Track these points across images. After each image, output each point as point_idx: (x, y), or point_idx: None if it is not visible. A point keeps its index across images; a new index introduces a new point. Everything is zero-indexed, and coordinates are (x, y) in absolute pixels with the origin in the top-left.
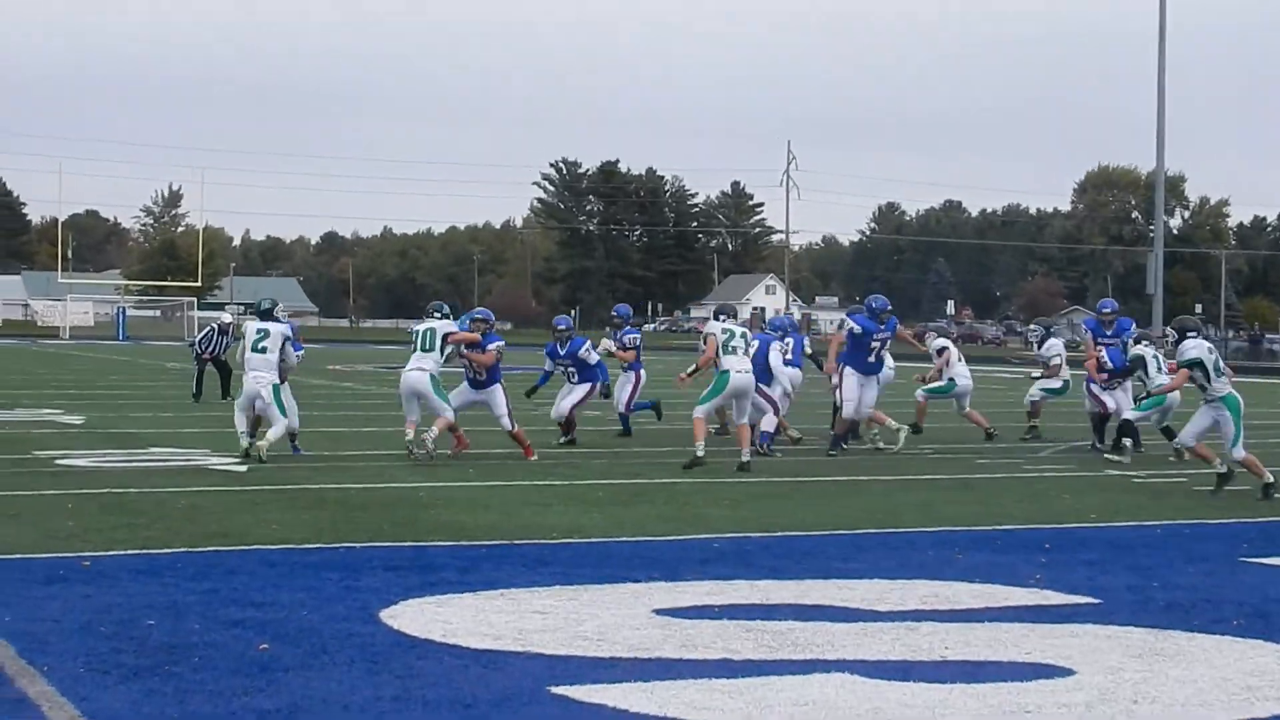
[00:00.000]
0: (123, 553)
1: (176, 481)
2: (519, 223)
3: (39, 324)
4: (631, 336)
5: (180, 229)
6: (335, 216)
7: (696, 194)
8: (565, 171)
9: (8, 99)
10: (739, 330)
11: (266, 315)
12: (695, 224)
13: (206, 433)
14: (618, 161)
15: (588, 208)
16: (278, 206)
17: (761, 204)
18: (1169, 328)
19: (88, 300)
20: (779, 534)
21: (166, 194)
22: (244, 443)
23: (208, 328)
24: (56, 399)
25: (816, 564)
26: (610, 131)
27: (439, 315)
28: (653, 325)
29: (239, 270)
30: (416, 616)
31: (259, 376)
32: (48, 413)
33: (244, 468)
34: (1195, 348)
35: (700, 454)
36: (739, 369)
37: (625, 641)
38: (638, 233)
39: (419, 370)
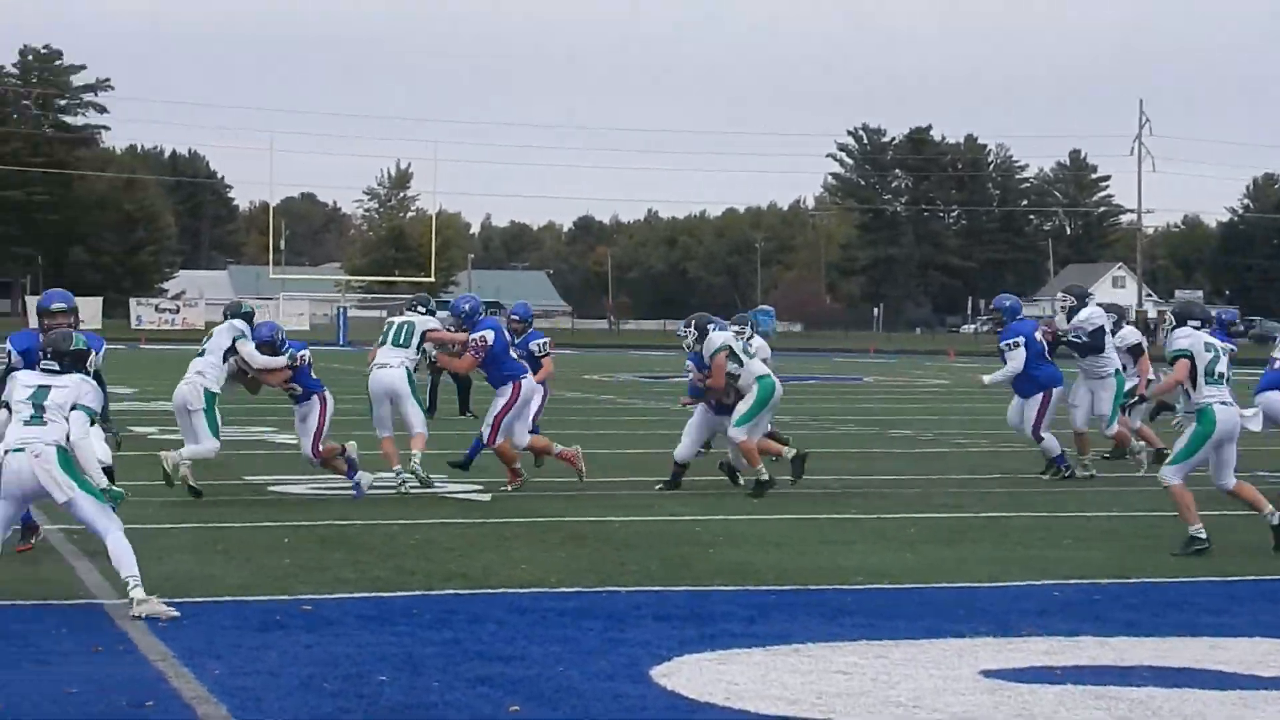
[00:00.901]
0: (348, 595)
1: (408, 512)
2: (810, 203)
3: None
4: (539, 342)
5: (410, 214)
6: (591, 198)
7: (1026, 166)
8: (866, 141)
9: (212, 67)
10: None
11: (237, 313)
12: (1025, 203)
13: (443, 453)
14: (929, 128)
15: (893, 184)
16: (523, 187)
17: (1107, 178)
18: (1170, 312)
19: (303, 299)
20: (1134, 580)
21: (393, 173)
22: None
23: None
24: (268, 415)
25: (1181, 617)
26: (920, 93)
27: (422, 310)
28: (971, 326)
29: (478, 262)
30: (695, 675)
31: (190, 379)
32: (258, 431)
33: (488, 496)
34: (1189, 338)
35: (765, 476)
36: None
37: (947, 709)
38: (954, 214)
39: (388, 366)
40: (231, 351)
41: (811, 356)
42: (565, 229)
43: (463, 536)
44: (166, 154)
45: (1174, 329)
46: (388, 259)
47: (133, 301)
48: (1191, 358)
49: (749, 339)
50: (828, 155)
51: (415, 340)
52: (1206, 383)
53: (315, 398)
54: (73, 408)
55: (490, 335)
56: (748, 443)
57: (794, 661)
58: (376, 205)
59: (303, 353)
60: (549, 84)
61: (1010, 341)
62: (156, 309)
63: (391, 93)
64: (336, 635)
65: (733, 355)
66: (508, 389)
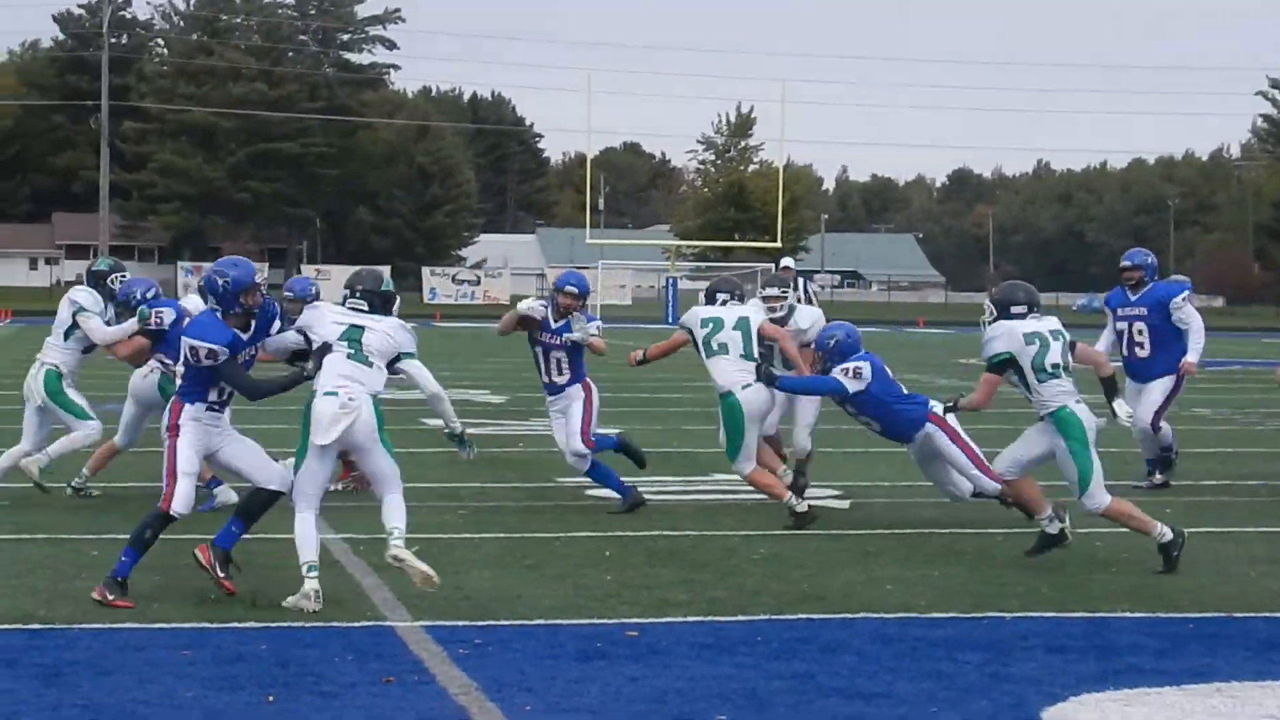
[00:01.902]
0: (680, 619)
1: (751, 522)
2: (1235, 152)
3: None
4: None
5: (752, 167)
6: (968, 148)
7: None
8: None
9: None
10: (731, 317)
11: (95, 279)
12: None
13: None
14: None
15: None
16: (885, 134)
17: None
18: (988, 300)
19: (624, 268)
20: None
21: (733, 119)
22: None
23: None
24: None
25: None
26: None
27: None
28: None
29: (832, 224)
30: (1095, 718)
31: (34, 369)
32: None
33: (846, 503)
34: (1004, 336)
35: (799, 508)
36: (738, 381)
37: None
38: None
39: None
40: (76, 329)
41: (1236, 337)
42: (937, 184)
43: (816, 551)
44: (465, 97)
45: (992, 322)
46: (725, 220)
47: (426, 271)
48: (1012, 361)
49: (781, 311)
50: (1257, 93)
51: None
52: (1040, 381)
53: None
54: (397, 358)
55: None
56: (758, 473)
57: (1215, 703)
58: (712, 157)
59: (162, 310)
60: (916, 8)
61: None
62: (454, 280)
63: (731, 23)
64: (667, 666)
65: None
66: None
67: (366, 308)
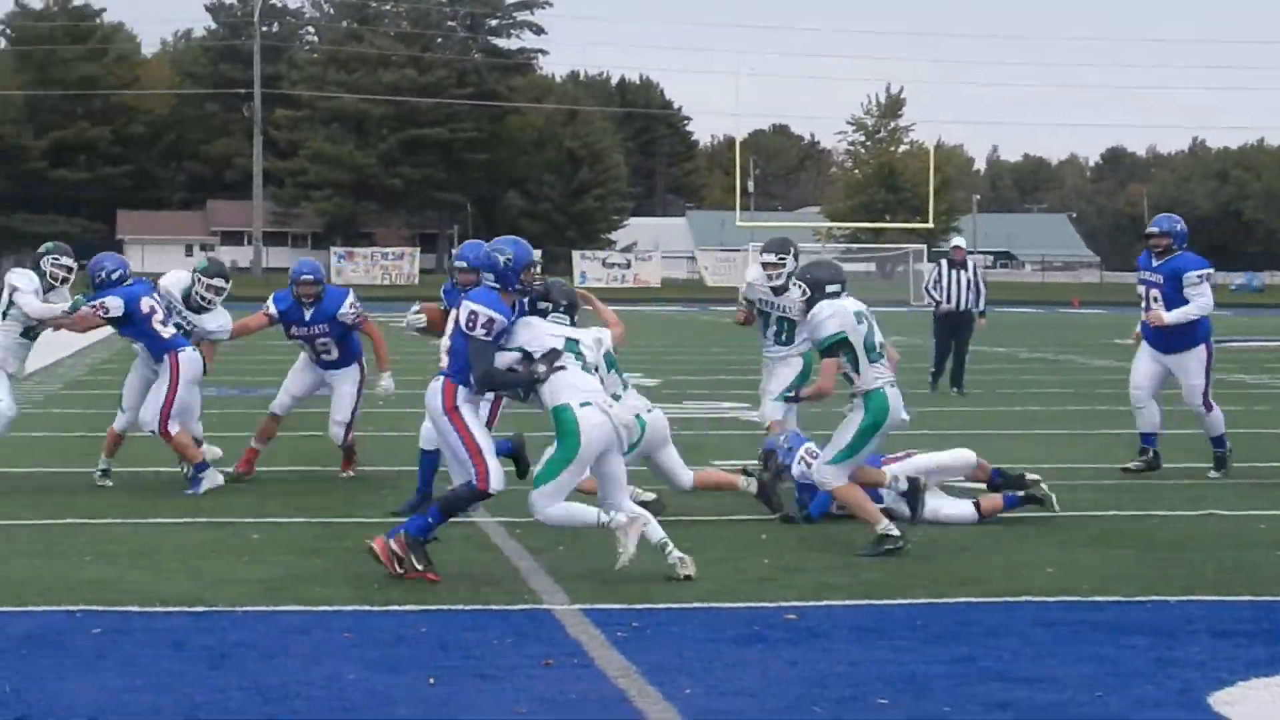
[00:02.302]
0: (839, 603)
1: None
2: None
3: (708, 283)
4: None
5: (902, 148)
6: (1122, 125)
7: None
8: None
9: None
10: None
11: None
12: None
13: (941, 436)
14: None
15: None
16: (1037, 114)
17: None
18: (797, 279)
19: None
20: None
21: (883, 100)
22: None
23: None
24: (739, 389)
25: None
26: None
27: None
28: None
29: (985, 204)
30: (1265, 705)
31: None
32: (729, 408)
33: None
34: (836, 315)
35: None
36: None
37: None
38: None
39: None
40: (12, 308)
41: None
42: (1091, 163)
43: (975, 535)
44: (614, 81)
45: (810, 300)
46: (876, 202)
47: (576, 255)
48: (846, 342)
49: (778, 280)
50: None
51: None
52: (871, 362)
53: (167, 358)
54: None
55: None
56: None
57: None
58: (862, 138)
59: (105, 299)
60: None
61: None
62: (604, 264)
63: (879, 2)
64: (826, 650)
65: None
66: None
67: (569, 321)
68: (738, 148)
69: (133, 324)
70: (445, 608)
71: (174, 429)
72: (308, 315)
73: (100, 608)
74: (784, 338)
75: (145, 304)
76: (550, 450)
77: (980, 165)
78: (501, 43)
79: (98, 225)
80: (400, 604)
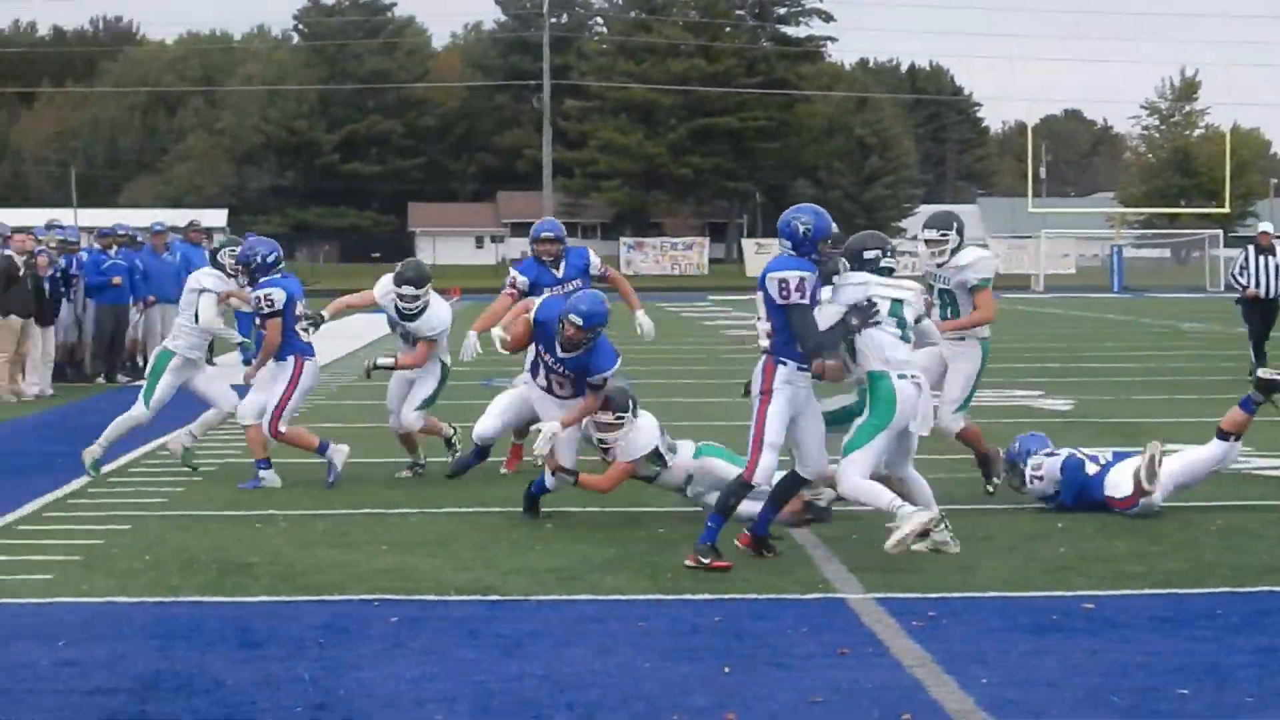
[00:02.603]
0: (1136, 592)
1: (1205, 493)
2: None
3: (1000, 270)
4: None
5: (1197, 132)
6: None
7: None
8: None
9: None
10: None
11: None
12: None
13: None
14: None
15: None
16: None
17: None
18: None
19: (1067, 236)
20: None
21: (1177, 83)
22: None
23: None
24: (1034, 376)
25: None
26: None
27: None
28: None
29: None
30: None
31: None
32: (1021, 395)
33: None
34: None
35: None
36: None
37: None
38: None
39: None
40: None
41: None
42: None
43: (1276, 523)
44: (904, 68)
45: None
46: (1170, 187)
47: None
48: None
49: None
50: None
51: None
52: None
53: (292, 360)
54: None
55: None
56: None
57: None
58: (1156, 122)
59: (271, 293)
60: None
61: None
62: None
63: None
64: (1124, 640)
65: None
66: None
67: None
68: (1030, 133)
69: (283, 318)
70: (739, 596)
71: (282, 427)
72: (559, 273)
73: (396, 597)
74: (948, 315)
75: (298, 306)
76: (861, 419)
77: (1278, 148)
78: (791, 30)
79: (389, 218)
80: (694, 593)
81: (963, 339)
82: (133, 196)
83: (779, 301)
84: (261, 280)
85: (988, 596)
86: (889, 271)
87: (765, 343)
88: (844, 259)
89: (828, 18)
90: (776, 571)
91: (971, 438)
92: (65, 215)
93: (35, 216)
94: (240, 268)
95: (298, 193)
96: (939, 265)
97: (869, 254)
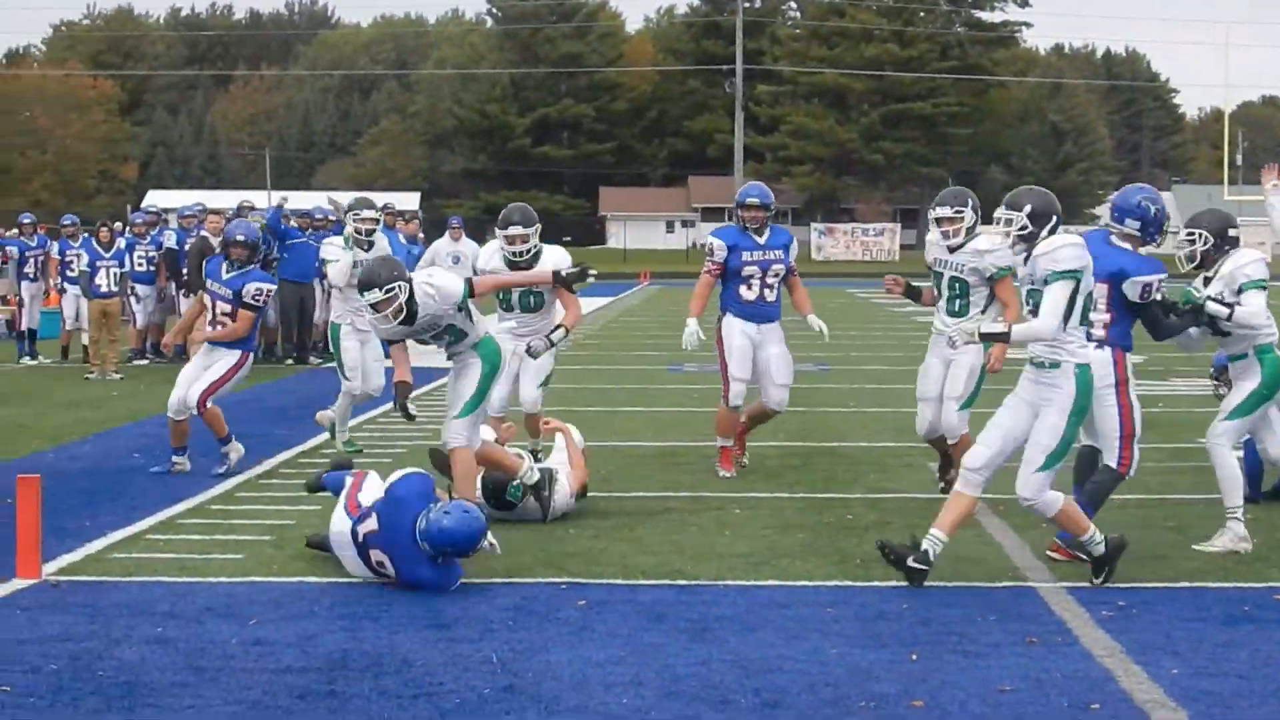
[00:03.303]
0: None
1: None
2: None
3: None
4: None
5: None
6: None
7: None
8: None
9: None
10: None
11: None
12: None
13: None
14: None
15: None
16: None
17: None
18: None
19: (1263, 224)
20: None
21: None
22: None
23: None
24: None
25: None
26: None
27: None
28: None
29: None
30: None
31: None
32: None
33: None
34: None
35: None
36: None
37: None
38: None
39: None
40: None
41: None
42: None
43: None
44: (1099, 53)
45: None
46: None
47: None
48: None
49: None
50: None
51: None
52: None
53: (239, 352)
54: None
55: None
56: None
57: None
58: None
59: (269, 287)
60: None
61: None
62: None
63: None
64: None
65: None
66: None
67: None
68: (1226, 120)
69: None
70: (927, 584)
71: (208, 404)
72: (763, 239)
73: (585, 580)
74: (958, 306)
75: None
76: (1248, 385)
77: None
78: (985, 15)
79: (580, 202)
80: (881, 579)
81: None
82: (326, 179)
83: (1136, 301)
84: (258, 271)
85: (1179, 587)
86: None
87: (1100, 333)
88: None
89: (1023, 2)
90: (965, 559)
91: (963, 448)
92: (259, 198)
93: (229, 198)
94: (247, 250)
95: (489, 176)
96: (951, 248)
97: (1233, 232)
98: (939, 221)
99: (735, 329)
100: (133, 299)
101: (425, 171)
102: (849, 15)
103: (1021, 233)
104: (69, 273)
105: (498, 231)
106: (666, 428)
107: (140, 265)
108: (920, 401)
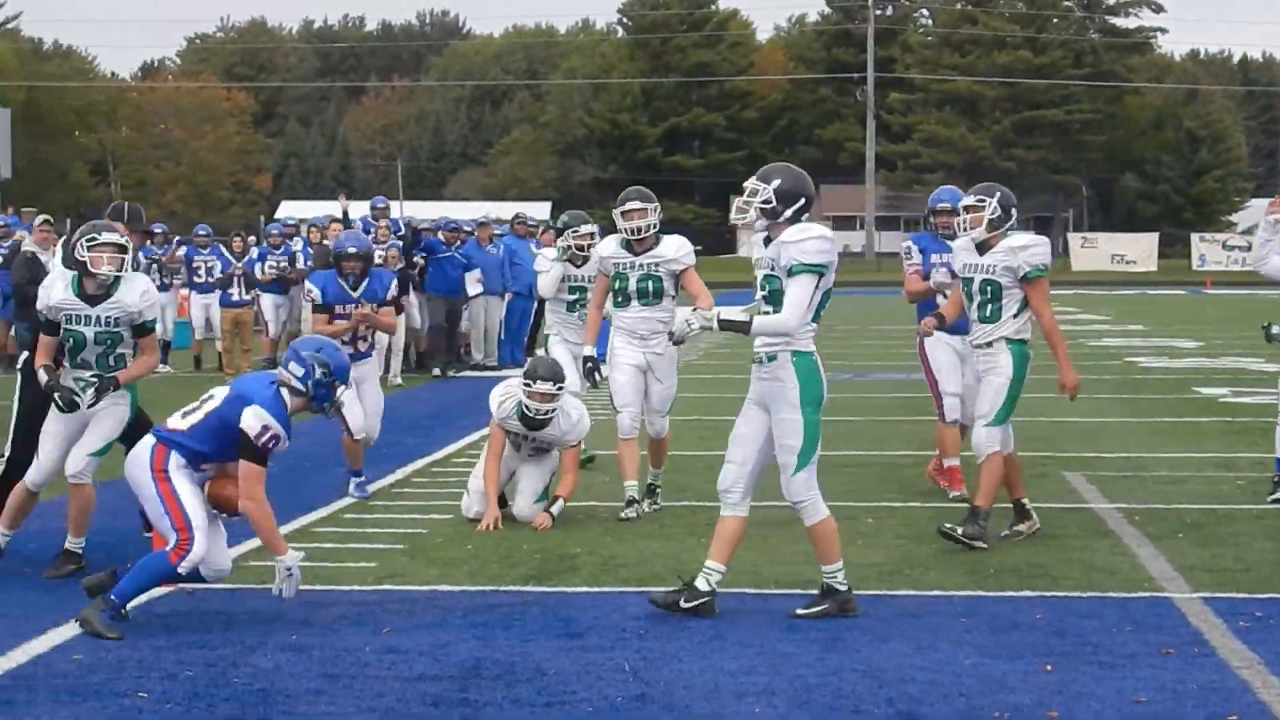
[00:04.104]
0: None
1: None
2: None
3: None
4: None
5: None
6: None
7: None
8: None
9: None
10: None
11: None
12: None
13: None
14: None
15: None
16: None
17: None
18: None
19: None
20: None
21: None
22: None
23: None
24: None
25: None
26: None
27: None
28: None
29: None
30: None
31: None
32: None
33: None
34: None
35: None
36: None
37: None
38: None
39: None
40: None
41: None
42: None
43: None
44: (1235, 59)
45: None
46: None
47: (1194, 238)
48: None
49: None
50: None
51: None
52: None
53: None
54: None
55: None
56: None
57: None
58: None
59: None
60: None
61: None
62: (1224, 246)
63: None
64: None
65: None
66: None
67: None
68: None
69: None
70: (1061, 594)
71: None
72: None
73: (718, 590)
74: (989, 311)
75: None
76: None
77: None
78: (1119, 22)
79: (710, 211)
80: (1015, 590)
81: (990, 344)
82: (457, 189)
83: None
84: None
85: None
86: None
87: None
88: None
89: (1158, 9)
90: (1100, 570)
91: (991, 470)
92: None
93: (362, 209)
94: (361, 262)
95: (620, 185)
96: (974, 240)
97: None
98: (964, 209)
99: (940, 342)
100: (266, 308)
101: (556, 181)
102: (981, 23)
103: (765, 206)
104: (196, 279)
105: (615, 214)
106: None
107: (270, 275)
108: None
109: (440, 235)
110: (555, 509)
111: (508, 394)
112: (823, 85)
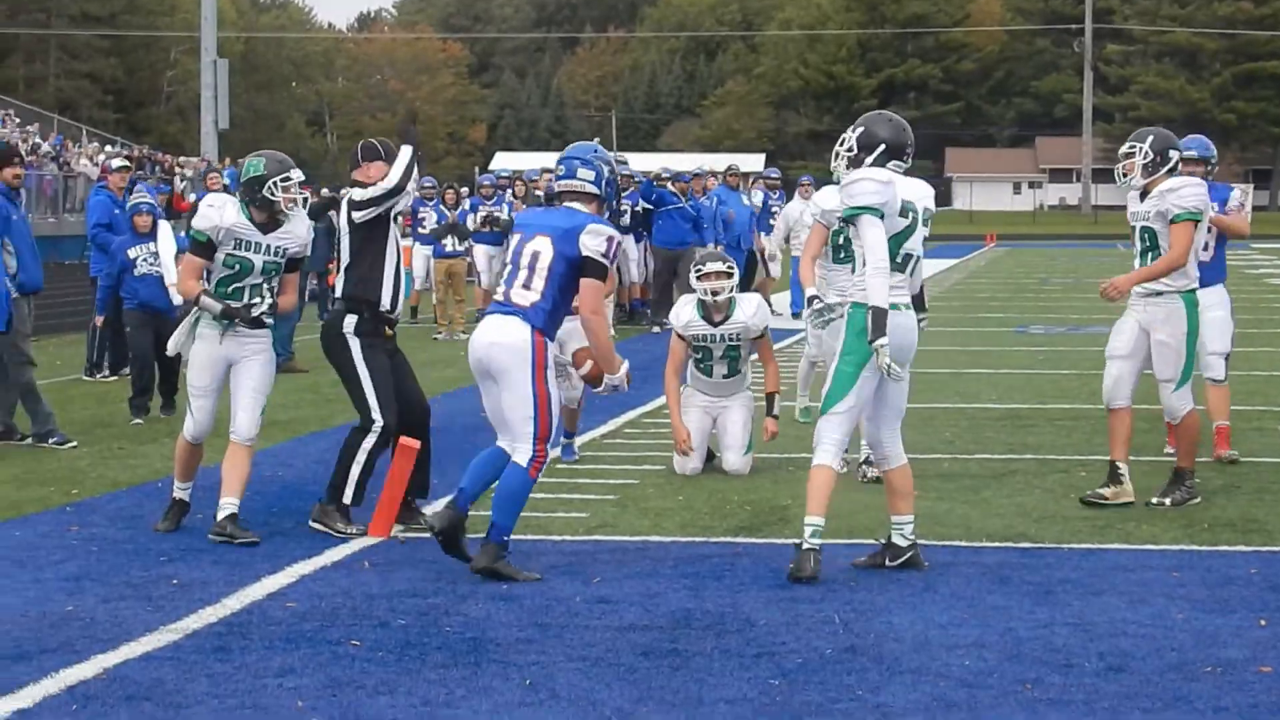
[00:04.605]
0: None
1: None
2: None
3: None
4: None
5: None
6: None
7: None
8: None
9: None
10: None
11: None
12: None
13: None
14: None
15: None
16: None
17: None
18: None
19: None
20: None
21: None
22: None
23: None
24: None
25: None
26: None
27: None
28: None
29: None
30: None
31: None
32: None
33: None
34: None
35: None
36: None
37: None
38: None
39: None
40: None
41: None
42: None
43: None
44: None
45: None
46: None
47: None
48: None
49: None
50: None
51: None
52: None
53: None
54: None
55: None
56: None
57: None
58: None
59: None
60: None
61: None
62: None
63: None
64: None
65: None
66: None
67: None
68: None
69: None
70: (1277, 549)
71: None
72: None
73: (928, 541)
74: (1150, 260)
75: None
76: None
77: None
78: None
79: (926, 163)
80: (1230, 544)
81: (1159, 293)
82: (671, 140)
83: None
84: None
85: None
86: None
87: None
88: None
89: None
90: None
91: (1188, 431)
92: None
93: None
94: None
95: (835, 137)
96: (1134, 187)
97: None
98: (1122, 157)
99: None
100: (479, 257)
101: (770, 133)
102: None
103: (849, 155)
104: (420, 230)
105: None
106: (1011, 390)
107: (479, 226)
108: (1108, 359)
109: (671, 186)
110: (774, 410)
111: (684, 304)
112: (1040, 36)
